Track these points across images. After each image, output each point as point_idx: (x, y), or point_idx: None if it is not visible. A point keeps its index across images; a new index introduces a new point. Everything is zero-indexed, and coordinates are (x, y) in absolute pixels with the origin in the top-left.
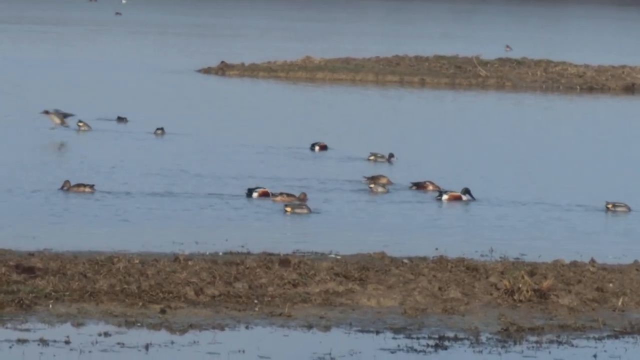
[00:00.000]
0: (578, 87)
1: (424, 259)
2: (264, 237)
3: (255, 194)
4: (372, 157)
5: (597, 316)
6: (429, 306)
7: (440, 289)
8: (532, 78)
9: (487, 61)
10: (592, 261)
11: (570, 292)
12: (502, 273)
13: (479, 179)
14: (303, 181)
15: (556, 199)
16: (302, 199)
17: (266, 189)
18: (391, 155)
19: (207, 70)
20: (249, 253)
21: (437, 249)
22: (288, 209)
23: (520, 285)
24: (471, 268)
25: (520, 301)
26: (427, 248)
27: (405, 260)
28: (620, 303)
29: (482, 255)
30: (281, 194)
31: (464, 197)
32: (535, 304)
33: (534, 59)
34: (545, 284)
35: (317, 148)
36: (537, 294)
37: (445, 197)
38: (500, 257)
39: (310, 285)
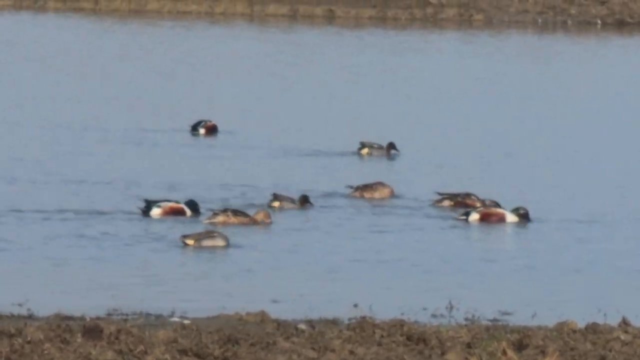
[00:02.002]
0: (599, 21)
1: (335, 322)
2: (65, 287)
3: (157, 210)
4: (365, 150)
5: None
6: None
7: None
8: (519, 7)
9: None
10: (625, 323)
11: None
12: (468, 346)
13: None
14: (186, 189)
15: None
16: (260, 220)
17: (179, 204)
18: (391, 147)
19: None
20: (31, 316)
21: (356, 305)
22: (190, 241)
23: None
24: (415, 338)
25: None
26: (343, 304)
27: (302, 326)
28: None
29: (434, 316)
30: (225, 211)
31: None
32: None
33: None
34: None
35: (202, 131)
36: None
37: (474, 216)
38: (466, 319)
39: None
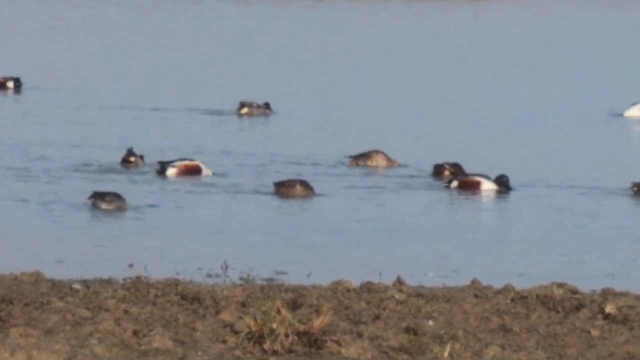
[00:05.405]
0: None
1: (110, 282)
2: None
3: (172, 170)
4: (245, 110)
5: None
6: None
7: (136, 333)
8: None
9: None
10: (399, 282)
11: (360, 336)
12: (242, 305)
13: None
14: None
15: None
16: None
17: (196, 162)
18: (267, 106)
19: None
20: None
21: (132, 265)
22: (92, 199)
23: (275, 326)
24: (190, 297)
25: (275, 353)
26: (119, 264)
27: (77, 286)
28: (446, 353)
29: (209, 276)
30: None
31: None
32: (300, 358)
33: None
34: (318, 322)
35: (10, 84)
36: (303, 341)
37: (455, 183)
38: (241, 279)
39: None
